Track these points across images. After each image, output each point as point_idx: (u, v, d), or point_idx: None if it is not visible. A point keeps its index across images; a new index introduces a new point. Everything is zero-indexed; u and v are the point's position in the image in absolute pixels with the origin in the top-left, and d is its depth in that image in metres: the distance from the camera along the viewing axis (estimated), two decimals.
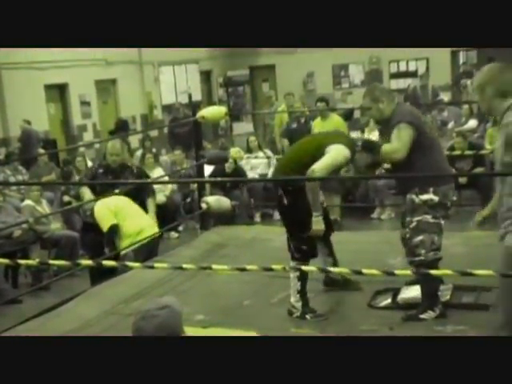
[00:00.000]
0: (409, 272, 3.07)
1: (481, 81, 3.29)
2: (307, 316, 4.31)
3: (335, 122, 8.29)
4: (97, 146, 12.33)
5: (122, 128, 8.38)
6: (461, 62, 17.53)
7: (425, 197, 3.95)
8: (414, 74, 17.02)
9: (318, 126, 8.30)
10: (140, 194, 6.06)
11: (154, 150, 10.15)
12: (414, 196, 3.97)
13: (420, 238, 3.93)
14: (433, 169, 4.00)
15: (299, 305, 4.33)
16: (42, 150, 10.53)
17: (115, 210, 5.61)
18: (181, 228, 8.71)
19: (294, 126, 9.33)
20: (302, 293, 4.32)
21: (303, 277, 4.24)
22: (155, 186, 8.56)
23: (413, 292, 4.19)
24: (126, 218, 5.64)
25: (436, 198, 3.95)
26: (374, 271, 3.48)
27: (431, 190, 3.94)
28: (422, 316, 4.01)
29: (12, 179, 9.02)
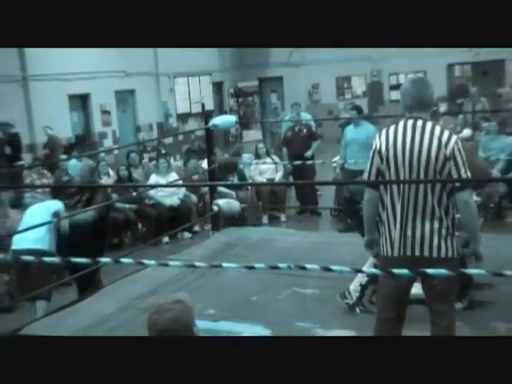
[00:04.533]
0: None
1: None
2: (357, 309, 4.28)
3: (368, 129, 8.02)
4: (116, 151, 12.37)
5: (79, 144, 8.37)
6: (456, 75, 17.39)
7: None
8: None
9: (350, 132, 8.12)
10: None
11: (165, 154, 10.12)
12: None
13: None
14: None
15: (356, 295, 4.28)
16: (63, 156, 10.57)
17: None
18: (196, 228, 8.66)
19: (289, 134, 9.57)
20: (364, 287, 4.27)
21: (374, 276, 4.05)
22: (169, 190, 8.65)
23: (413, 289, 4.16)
24: (23, 224, 5.33)
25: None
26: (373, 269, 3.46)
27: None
28: None
29: (38, 182, 9.06)
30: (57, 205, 5.56)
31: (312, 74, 17.71)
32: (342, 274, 3.65)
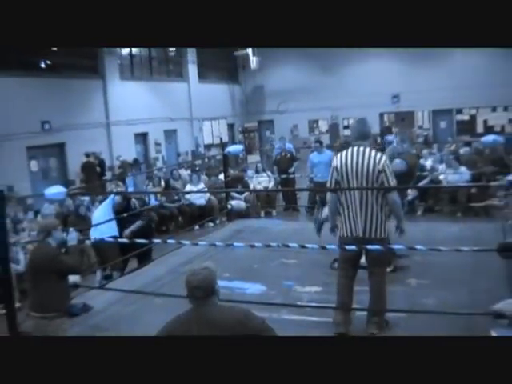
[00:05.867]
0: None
1: None
2: (331, 266, 4.14)
3: (328, 154, 7.88)
4: (164, 169, 12.38)
5: (134, 166, 8.71)
6: (384, 120, 17.31)
7: None
8: None
9: (316, 157, 7.94)
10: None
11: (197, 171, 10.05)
12: None
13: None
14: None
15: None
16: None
17: None
18: (218, 222, 8.45)
19: (278, 157, 9.46)
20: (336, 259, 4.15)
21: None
22: (199, 194, 8.58)
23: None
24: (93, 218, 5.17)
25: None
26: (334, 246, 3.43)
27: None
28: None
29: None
30: (111, 198, 5.28)
31: (293, 118, 17.74)
32: (313, 250, 3.62)
